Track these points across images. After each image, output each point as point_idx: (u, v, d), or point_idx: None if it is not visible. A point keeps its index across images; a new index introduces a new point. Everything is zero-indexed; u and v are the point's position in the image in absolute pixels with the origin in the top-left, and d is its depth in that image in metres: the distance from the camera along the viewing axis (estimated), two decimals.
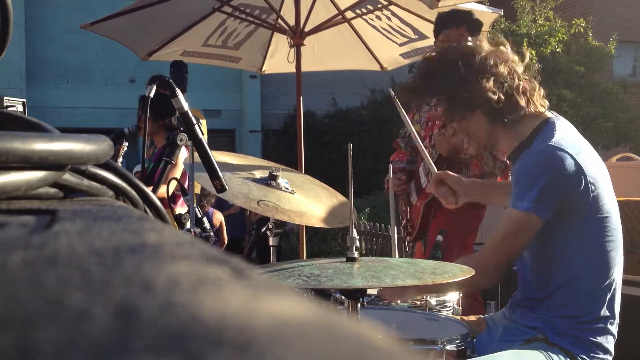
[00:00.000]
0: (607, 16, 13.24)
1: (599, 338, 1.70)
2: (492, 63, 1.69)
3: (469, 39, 2.89)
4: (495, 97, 1.68)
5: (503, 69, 1.69)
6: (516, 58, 1.76)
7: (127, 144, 4.11)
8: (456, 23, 2.93)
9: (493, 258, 1.72)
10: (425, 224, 3.04)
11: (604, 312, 1.71)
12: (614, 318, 1.73)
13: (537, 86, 1.75)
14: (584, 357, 1.68)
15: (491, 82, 1.68)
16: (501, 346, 1.72)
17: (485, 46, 1.73)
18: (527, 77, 1.73)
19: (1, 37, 0.55)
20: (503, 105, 1.69)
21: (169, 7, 3.99)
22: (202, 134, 1.86)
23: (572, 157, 1.63)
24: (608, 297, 1.72)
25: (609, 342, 1.72)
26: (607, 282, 1.71)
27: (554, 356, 1.66)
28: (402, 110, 2.02)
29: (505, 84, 1.69)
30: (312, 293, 1.98)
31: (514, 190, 1.69)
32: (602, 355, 1.70)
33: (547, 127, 1.72)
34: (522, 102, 1.70)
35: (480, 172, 2.83)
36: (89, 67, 12.02)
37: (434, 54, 1.88)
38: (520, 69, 1.73)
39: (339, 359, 0.18)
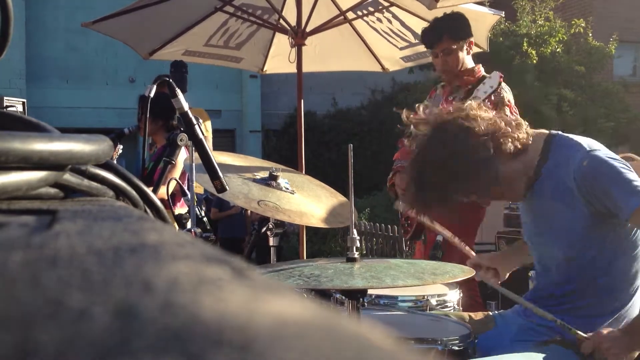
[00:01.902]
0: (607, 16, 13.24)
1: None
2: (476, 129, 1.67)
3: (459, 53, 2.89)
4: (511, 145, 1.68)
5: (490, 125, 1.69)
6: (483, 111, 1.74)
7: (121, 147, 4.09)
8: (436, 38, 2.92)
9: None
10: (423, 223, 3.04)
11: (629, 313, 1.71)
12: None
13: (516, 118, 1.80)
14: None
15: (490, 142, 1.66)
16: (514, 346, 1.69)
17: (458, 119, 1.70)
18: (502, 117, 1.75)
19: (2, 38, 0.55)
20: (514, 147, 1.69)
21: (171, 6, 3.99)
22: (204, 134, 1.87)
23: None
24: (635, 299, 1.72)
25: None
26: (635, 285, 1.71)
27: (569, 356, 1.64)
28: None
29: (499, 131, 1.68)
30: (312, 293, 1.98)
31: (621, 190, 1.59)
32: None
33: (557, 139, 1.73)
34: (521, 134, 1.71)
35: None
36: (89, 67, 12.02)
37: (423, 160, 1.75)
38: (490, 115, 1.73)
39: (339, 359, 0.18)
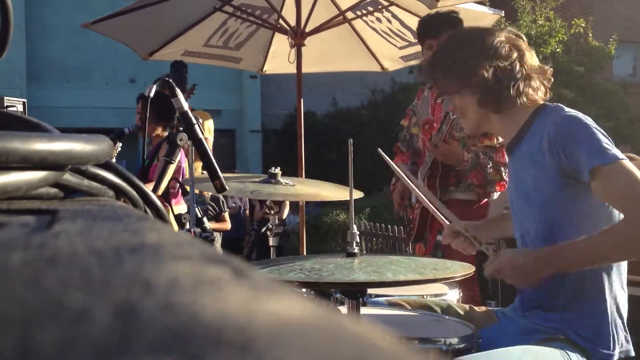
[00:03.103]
0: (608, 16, 13.24)
1: (619, 332, 1.70)
2: (496, 49, 1.69)
3: None
4: (488, 83, 1.68)
5: (506, 57, 1.69)
6: (530, 53, 1.76)
7: (120, 144, 4.08)
8: (434, 32, 2.90)
9: None
10: (424, 226, 3.04)
11: (623, 307, 1.71)
12: (626, 313, 1.74)
13: (544, 85, 1.75)
14: (604, 357, 1.67)
15: (487, 68, 1.68)
16: (518, 344, 1.68)
17: (501, 34, 1.74)
18: (535, 72, 1.73)
19: (2, 38, 0.55)
20: (494, 92, 1.70)
21: (171, 7, 3.99)
22: (203, 134, 1.87)
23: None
24: (625, 290, 1.73)
25: (628, 339, 1.72)
26: (623, 276, 1.72)
27: (572, 355, 1.64)
28: (394, 165, 1.88)
29: (504, 73, 1.68)
30: (312, 293, 1.98)
31: (586, 149, 1.58)
32: (623, 347, 1.70)
33: (548, 107, 1.72)
34: (515, 92, 1.70)
35: (480, 182, 2.82)
36: (89, 67, 12.02)
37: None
38: (529, 61, 1.73)
39: (339, 359, 0.18)
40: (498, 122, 1.77)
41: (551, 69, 1.77)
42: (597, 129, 1.61)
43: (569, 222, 1.67)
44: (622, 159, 1.56)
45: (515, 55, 1.70)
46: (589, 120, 1.65)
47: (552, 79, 1.78)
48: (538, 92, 1.73)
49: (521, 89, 1.70)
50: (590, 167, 1.55)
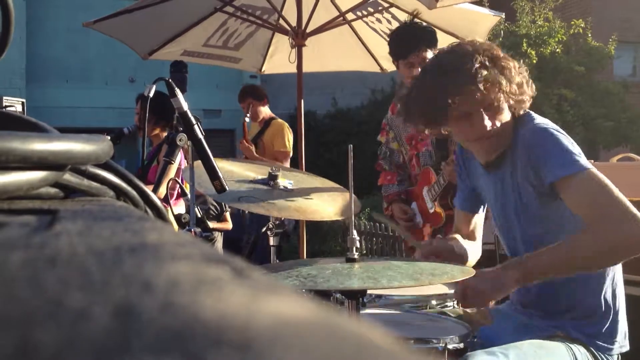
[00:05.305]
0: (606, 17, 13.24)
1: (618, 328, 1.72)
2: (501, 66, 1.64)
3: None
4: (503, 96, 1.63)
5: (505, 71, 1.65)
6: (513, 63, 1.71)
7: (108, 137, 4.09)
8: (417, 47, 2.84)
9: (616, 209, 1.51)
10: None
11: (619, 304, 1.73)
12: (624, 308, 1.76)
13: (529, 90, 1.70)
14: (604, 351, 1.69)
15: (499, 83, 1.62)
16: (517, 340, 1.69)
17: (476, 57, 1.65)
18: (519, 81, 1.68)
19: (3, 38, 0.55)
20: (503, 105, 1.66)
21: (171, 7, 3.99)
22: (203, 135, 1.86)
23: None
24: (620, 290, 1.74)
25: (624, 332, 1.74)
26: (619, 273, 1.74)
27: (575, 349, 1.65)
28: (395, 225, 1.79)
29: (512, 84, 1.64)
30: (312, 293, 1.98)
31: (554, 161, 1.57)
32: (620, 343, 1.72)
33: (520, 119, 1.70)
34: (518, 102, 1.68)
35: None
36: (89, 66, 12.02)
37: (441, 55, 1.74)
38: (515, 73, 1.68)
39: (339, 358, 0.18)
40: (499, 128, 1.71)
41: (532, 89, 1.72)
42: (564, 137, 1.60)
43: (557, 233, 1.68)
44: (589, 168, 1.54)
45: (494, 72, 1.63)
46: (554, 129, 1.62)
47: (532, 97, 1.72)
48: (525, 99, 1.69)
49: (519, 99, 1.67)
50: (554, 179, 1.56)
